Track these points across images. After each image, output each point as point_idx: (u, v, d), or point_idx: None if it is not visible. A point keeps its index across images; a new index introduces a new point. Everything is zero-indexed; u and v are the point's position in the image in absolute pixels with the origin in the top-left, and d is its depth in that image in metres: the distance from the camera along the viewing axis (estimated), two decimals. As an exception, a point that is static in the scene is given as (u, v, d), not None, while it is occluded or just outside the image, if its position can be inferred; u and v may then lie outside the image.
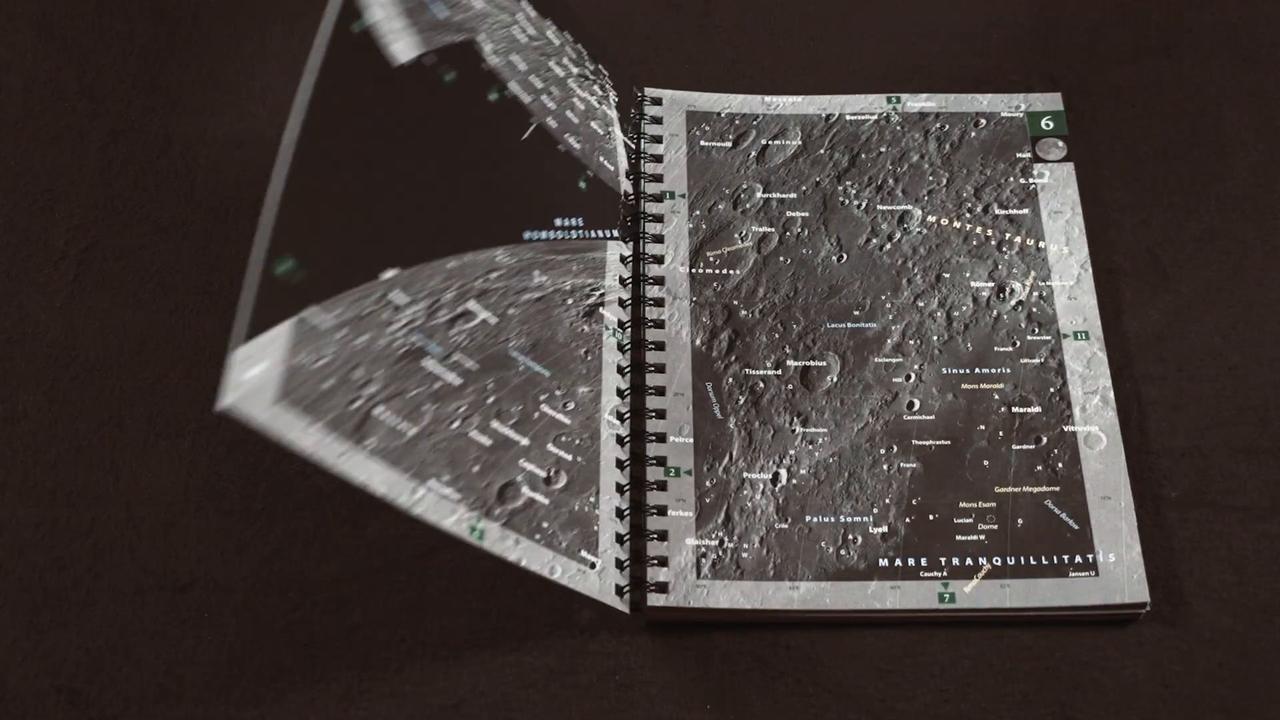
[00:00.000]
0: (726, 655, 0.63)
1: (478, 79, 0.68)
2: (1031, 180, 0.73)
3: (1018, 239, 0.71)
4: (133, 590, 0.64)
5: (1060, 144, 0.75)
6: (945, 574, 0.63)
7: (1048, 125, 0.75)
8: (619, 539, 0.64)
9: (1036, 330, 0.69)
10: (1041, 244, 0.71)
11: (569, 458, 0.64)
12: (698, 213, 0.74)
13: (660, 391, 0.68)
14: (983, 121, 0.76)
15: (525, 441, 0.63)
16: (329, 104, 0.60)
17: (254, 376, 0.54)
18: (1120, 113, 0.77)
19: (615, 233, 0.71)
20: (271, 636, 0.63)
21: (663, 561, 0.64)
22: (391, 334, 0.60)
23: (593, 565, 0.62)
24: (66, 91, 0.78)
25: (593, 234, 0.70)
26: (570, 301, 0.67)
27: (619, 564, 0.64)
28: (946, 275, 0.71)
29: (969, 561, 0.63)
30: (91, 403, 0.68)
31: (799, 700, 0.61)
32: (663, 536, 0.64)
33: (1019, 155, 0.74)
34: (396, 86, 0.63)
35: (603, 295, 0.69)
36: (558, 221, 0.68)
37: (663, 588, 0.63)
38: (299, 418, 0.55)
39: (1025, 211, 0.72)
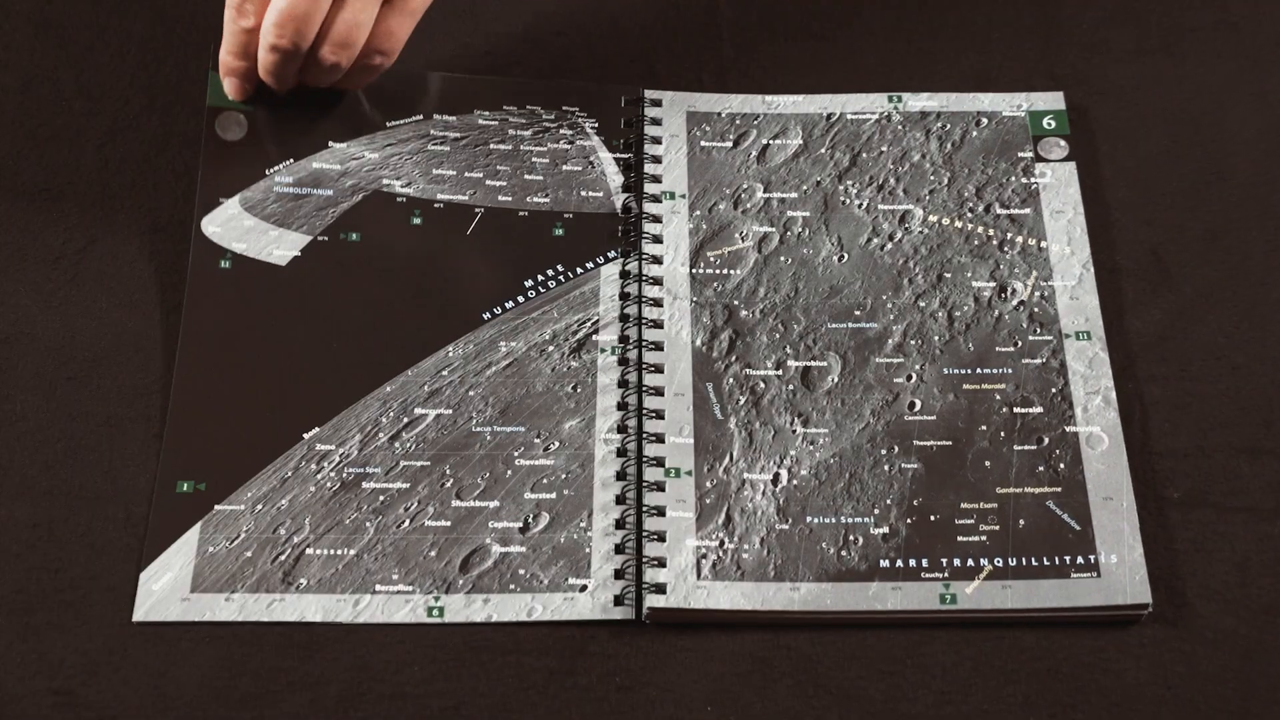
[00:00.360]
0: (727, 656, 0.62)
1: (392, 216, 0.71)
2: (1033, 180, 0.73)
3: (1019, 239, 0.71)
4: (130, 591, 0.63)
5: (1062, 143, 0.75)
6: (946, 575, 0.62)
7: (1049, 125, 0.75)
8: (617, 549, 0.64)
9: (1038, 330, 0.68)
10: (1043, 244, 0.71)
11: (551, 496, 0.65)
12: (698, 213, 0.73)
13: (659, 392, 0.68)
14: (984, 121, 0.75)
15: (494, 504, 0.65)
16: (199, 339, 0.68)
17: (162, 586, 0.62)
18: (1122, 112, 0.77)
19: (612, 253, 0.71)
20: (269, 638, 0.62)
21: (661, 562, 0.63)
22: (320, 480, 0.64)
23: (583, 588, 0.63)
24: (64, 90, 0.77)
25: (576, 271, 0.71)
26: (551, 348, 0.68)
27: (617, 574, 0.64)
28: (948, 275, 0.70)
29: (970, 562, 0.63)
30: (88, 404, 0.68)
31: (799, 702, 0.61)
32: (661, 537, 0.64)
33: (1020, 155, 0.74)
34: (284, 281, 0.69)
35: (596, 323, 0.69)
36: (528, 283, 0.70)
37: (661, 589, 0.63)
38: (216, 596, 0.62)
39: (1027, 211, 0.72)
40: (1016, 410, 0.66)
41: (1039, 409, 0.66)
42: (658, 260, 0.72)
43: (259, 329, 0.69)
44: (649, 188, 0.74)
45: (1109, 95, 0.78)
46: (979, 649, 0.62)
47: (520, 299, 0.70)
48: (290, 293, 0.70)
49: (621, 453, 0.67)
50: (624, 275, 0.71)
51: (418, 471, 0.66)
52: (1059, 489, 0.64)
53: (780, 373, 0.68)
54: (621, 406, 0.68)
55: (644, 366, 0.69)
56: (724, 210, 0.73)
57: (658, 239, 0.73)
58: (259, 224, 0.70)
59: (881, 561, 0.63)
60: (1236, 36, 0.80)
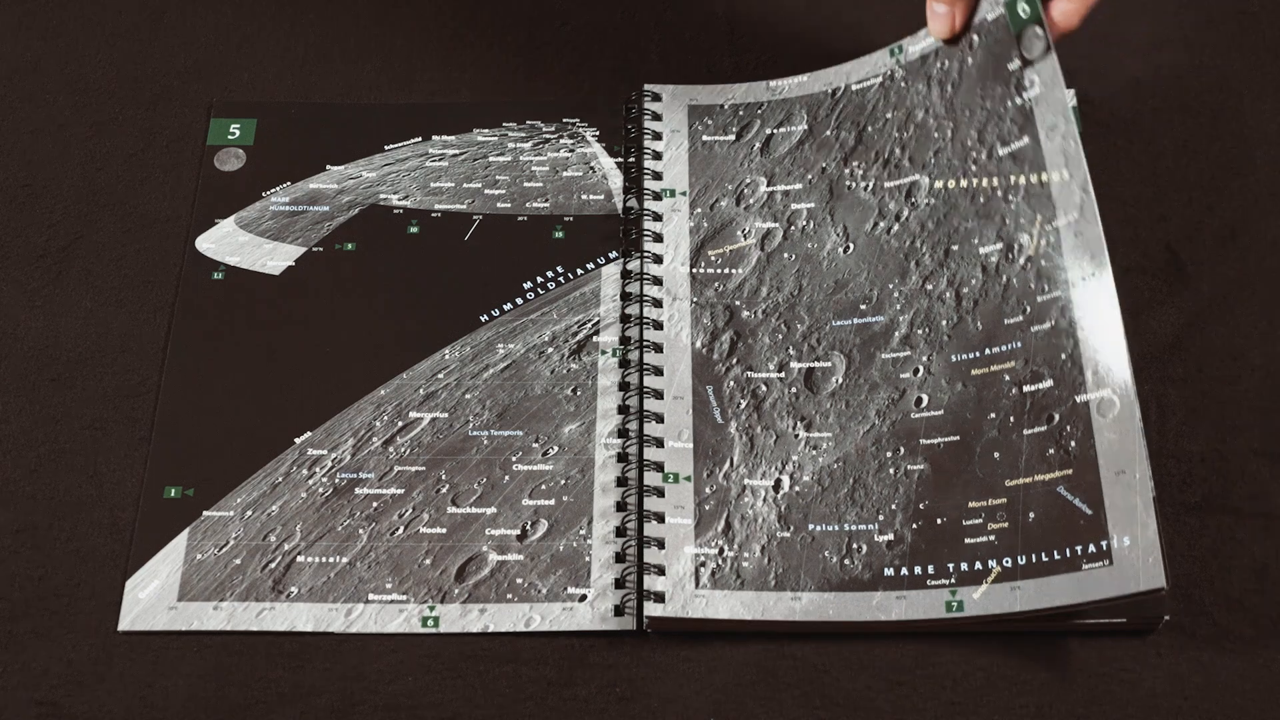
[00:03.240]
0: (730, 666, 0.61)
1: (389, 226, 0.72)
2: (1025, 95, 0.69)
3: (1021, 179, 0.68)
4: (116, 600, 0.62)
5: (1039, 31, 0.70)
6: (953, 580, 0.61)
7: (1024, 12, 0.71)
8: (618, 557, 0.63)
9: (1046, 288, 0.65)
10: (1044, 176, 0.67)
11: (550, 503, 0.64)
12: (699, 210, 0.72)
13: (659, 395, 0.66)
14: (975, 40, 0.71)
15: (491, 510, 0.64)
16: (189, 346, 0.68)
17: (149, 595, 0.62)
18: (1138, 105, 0.76)
19: (613, 253, 0.71)
20: (259, 648, 0.61)
21: (660, 570, 0.62)
22: (312, 486, 0.64)
23: (582, 598, 0.62)
24: (49, 82, 0.77)
25: (576, 273, 0.70)
26: (550, 350, 0.68)
27: (617, 583, 0.63)
28: (955, 247, 0.68)
29: (978, 566, 0.61)
30: (73, 406, 0.67)
31: (806, 713, 0.60)
32: (660, 544, 0.63)
33: (1009, 67, 0.70)
34: (278, 288, 0.70)
35: (597, 324, 0.69)
36: (526, 285, 0.70)
37: (660, 597, 0.61)
38: (204, 604, 0.62)
39: (1025, 141, 0.68)
40: (1026, 389, 0.64)
41: (1049, 382, 0.64)
42: (657, 260, 0.70)
43: (250, 332, 0.68)
44: (649, 184, 0.73)
45: (1125, 88, 0.77)
46: (990, 658, 0.61)
47: (519, 300, 0.70)
48: (283, 298, 0.70)
49: (622, 458, 0.66)
50: (625, 275, 0.70)
51: (412, 477, 0.65)
52: (1070, 471, 0.62)
53: (783, 375, 0.67)
54: (622, 410, 0.67)
55: (644, 369, 0.67)
56: (726, 207, 0.72)
57: (658, 237, 0.71)
58: (253, 239, 0.71)
59: (886, 570, 0.61)
60: (1256, 27, 0.79)
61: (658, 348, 0.68)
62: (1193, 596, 0.62)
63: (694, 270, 0.70)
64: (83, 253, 0.71)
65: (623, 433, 0.66)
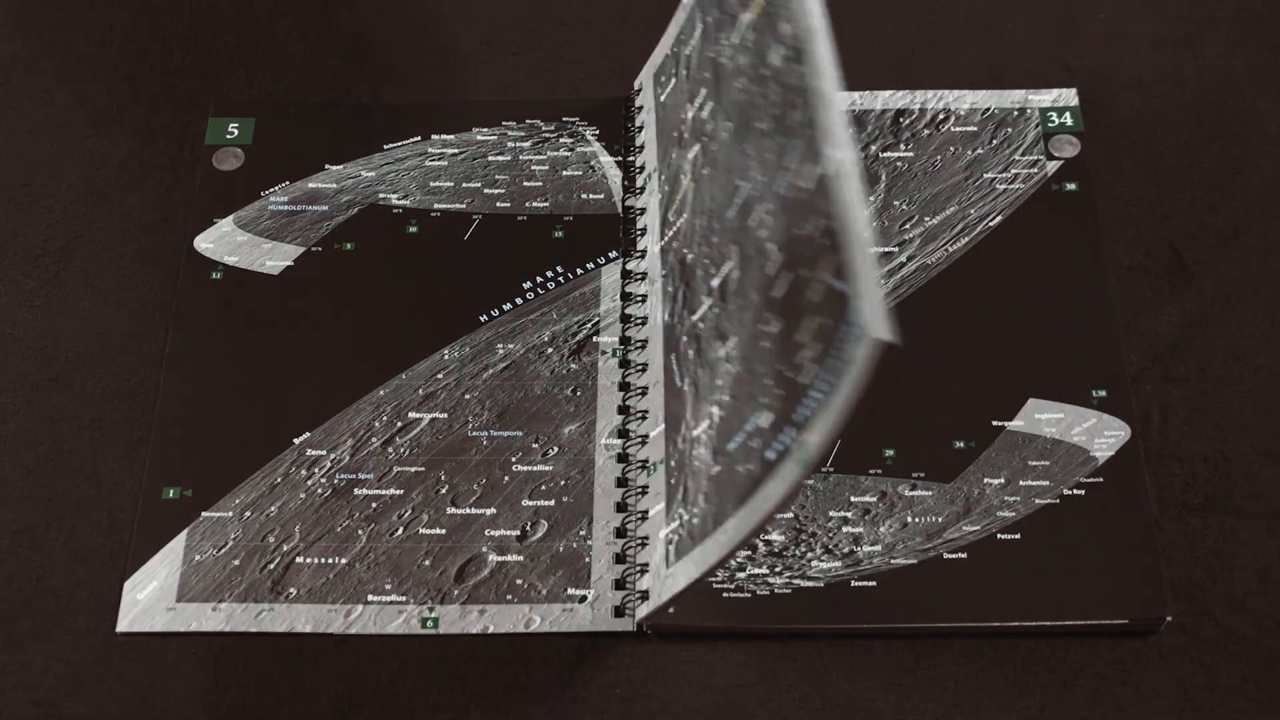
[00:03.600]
0: (730, 667, 0.61)
1: (388, 226, 0.72)
2: None
3: None
4: (115, 600, 0.62)
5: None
6: (795, 432, 0.53)
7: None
8: (618, 558, 0.63)
9: (792, 59, 0.57)
10: None
11: (550, 503, 0.64)
12: (663, 177, 0.70)
13: (644, 392, 0.66)
14: None
15: (490, 511, 0.64)
16: (188, 345, 0.68)
17: (147, 596, 0.62)
18: (1140, 104, 0.76)
19: (613, 254, 0.71)
20: (258, 649, 0.61)
21: (645, 568, 0.62)
22: (311, 486, 0.64)
23: (583, 599, 0.62)
24: (46, 81, 0.77)
25: (575, 273, 0.70)
26: (550, 350, 0.68)
27: (618, 584, 0.63)
28: (768, 70, 0.60)
29: (808, 405, 0.53)
30: (71, 406, 0.67)
31: (806, 714, 0.60)
32: (645, 542, 0.62)
33: None
34: (277, 288, 0.69)
35: (596, 324, 0.69)
36: (526, 285, 0.70)
37: (645, 595, 0.61)
38: (203, 605, 0.62)
39: None
40: (803, 185, 0.56)
41: (817, 167, 0.54)
42: (642, 255, 0.70)
43: (249, 332, 0.68)
44: (640, 181, 0.72)
45: (1127, 87, 0.76)
46: (991, 659, 0.61)
47: (518, 301, 0.70)
48: (282, 298, 0.69)
49: (622, 458, 0.66)
50: (625, 276, 0.70)
51: (412, 478, 0.65)
52: (838, 257, 0.52)
53: (711, 301, 0.65)
54: (622, 410, 0.67)
55: (636, 368, 0.67)
56: (675, 159, 0.70)
57: (643, 231, 0.71)
58: (252, 239, 0.71)
59: (767, 454, 0.55)
60: (1259, 26, 0.78)
61: (641, 345, 0.67)
62: (1195, 597, 0.62)
63: (662, 243, 0.69)
64: (81, 252, 0.71)
65: (622, 433, 0.66)
